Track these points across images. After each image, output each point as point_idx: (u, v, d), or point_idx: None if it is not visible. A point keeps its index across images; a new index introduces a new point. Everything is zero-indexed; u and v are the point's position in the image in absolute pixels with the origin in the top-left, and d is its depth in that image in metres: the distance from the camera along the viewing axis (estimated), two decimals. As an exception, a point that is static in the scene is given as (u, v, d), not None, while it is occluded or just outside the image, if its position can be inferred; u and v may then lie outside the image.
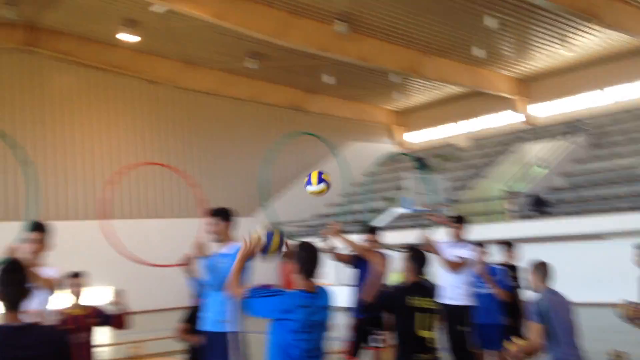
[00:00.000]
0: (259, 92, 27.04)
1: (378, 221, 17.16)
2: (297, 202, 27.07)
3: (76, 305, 5.55)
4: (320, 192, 5.84)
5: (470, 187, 22.93)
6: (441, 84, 26.36)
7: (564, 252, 16.94)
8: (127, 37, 21.12)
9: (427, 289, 4.86)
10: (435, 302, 4.85)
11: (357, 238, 7.07)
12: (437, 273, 7.25)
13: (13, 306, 3.12)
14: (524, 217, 18.84)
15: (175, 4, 18.12)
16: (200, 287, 5.61)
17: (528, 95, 26.74)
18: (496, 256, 7.98)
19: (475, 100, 28.35)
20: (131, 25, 20.50)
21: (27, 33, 21.64)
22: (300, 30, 20.18)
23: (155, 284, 21.98)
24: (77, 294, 5.53)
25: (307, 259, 3.97)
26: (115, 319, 5.63)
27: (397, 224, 22.60)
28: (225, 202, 25.24)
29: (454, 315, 6.96)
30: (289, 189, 27.30)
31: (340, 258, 6.69)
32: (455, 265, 6.87)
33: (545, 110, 26.70)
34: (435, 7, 19.24)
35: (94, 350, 5.58)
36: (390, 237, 12.68)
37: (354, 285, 6.67)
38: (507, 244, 8.09)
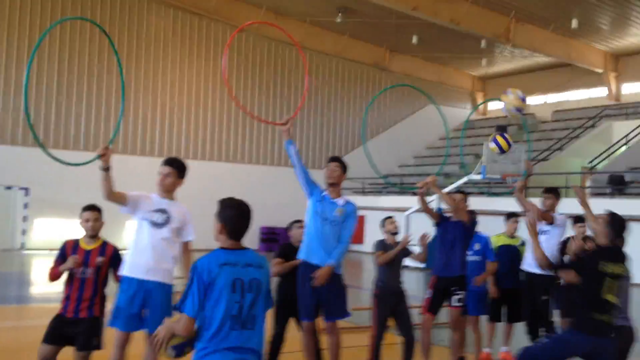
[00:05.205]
0: (344, 48, 27.14)
1: (451, 186, 17.23)
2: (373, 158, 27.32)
3: None
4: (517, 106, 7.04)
5: (549, 160, 22.61)
6: (530, 52, 25.77)
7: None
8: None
9: (620, 255, 4.88)
10: (626, 268, 4.86)
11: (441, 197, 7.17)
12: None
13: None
14: (601, 194, 18.53)
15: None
16: (294, 150, 5.84)
17: (619, 71, 25.87)
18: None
19: (563, 72, 27.59)
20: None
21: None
22: (392, -12, 20.12)
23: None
24: None
25: None
26: None
27: (467, 190, 22.58)
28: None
29: (537, 284, 6.98)
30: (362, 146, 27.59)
31: (429, 212, 6.83)
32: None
33: (635, 87, 25.79)
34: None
35: None
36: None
37: (437, 244, 6.83)
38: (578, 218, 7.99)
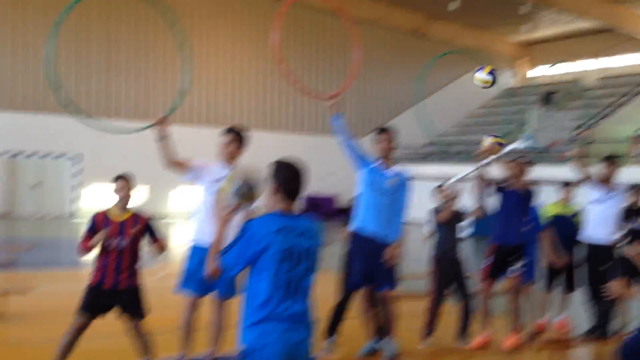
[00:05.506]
0: (382, 15, 26.74)
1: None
2: (413, 127, 27.08)
3: None
4: (485, 83, 6.91)
5: (596, 127, 22.14)
6: (573, 17, 25.06)
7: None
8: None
9: None
10: None
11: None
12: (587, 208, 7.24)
13: None
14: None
15: None
16: (342, 124, 5.88)
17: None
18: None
19: (607, 38, 26.83)
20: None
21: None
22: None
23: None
24: None
25: None
26: None
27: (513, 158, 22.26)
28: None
29: (598, 254, 6.96)
30: (406, 113, 27.42)
31: (486, 181, 6.70)
32: None
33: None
34: None
35: None
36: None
37: (496, 213, 6.73)
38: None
